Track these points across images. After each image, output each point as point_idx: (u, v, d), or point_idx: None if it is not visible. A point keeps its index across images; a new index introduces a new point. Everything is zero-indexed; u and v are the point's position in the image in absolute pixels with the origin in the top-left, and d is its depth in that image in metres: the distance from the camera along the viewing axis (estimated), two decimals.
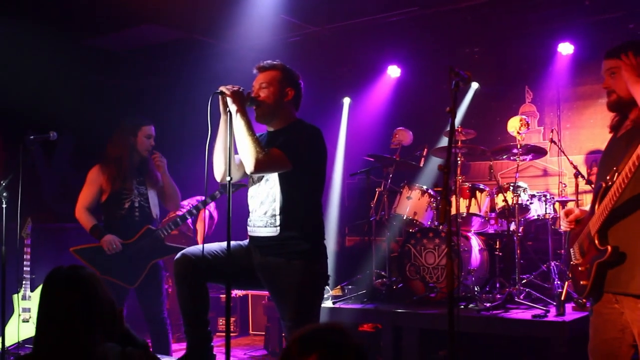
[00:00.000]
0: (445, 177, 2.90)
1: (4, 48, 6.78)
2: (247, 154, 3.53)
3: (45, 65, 7.15)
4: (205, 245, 3.78)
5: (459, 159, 6.49)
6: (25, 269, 6.12)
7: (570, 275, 3.44)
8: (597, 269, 3.12)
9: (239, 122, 3.56)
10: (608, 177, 3.07)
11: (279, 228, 3.66)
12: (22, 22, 6.75)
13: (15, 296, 6.05)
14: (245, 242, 3.85)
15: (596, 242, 3.10)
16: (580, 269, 3.27)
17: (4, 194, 5.05)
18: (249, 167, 3.55)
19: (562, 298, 5.36)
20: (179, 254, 3.77)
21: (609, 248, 3.05)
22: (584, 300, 3.31)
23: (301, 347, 1.86)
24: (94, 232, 5.18)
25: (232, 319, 7.53)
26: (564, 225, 3.44)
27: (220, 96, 3.66)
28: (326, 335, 1.90)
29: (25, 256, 6.14)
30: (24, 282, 6.12)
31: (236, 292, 7.51)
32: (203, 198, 5.33)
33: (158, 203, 5.38)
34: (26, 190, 5.04)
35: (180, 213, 5.86)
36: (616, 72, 3.19)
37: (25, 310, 6.06)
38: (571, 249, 3.37)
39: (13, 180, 5.05)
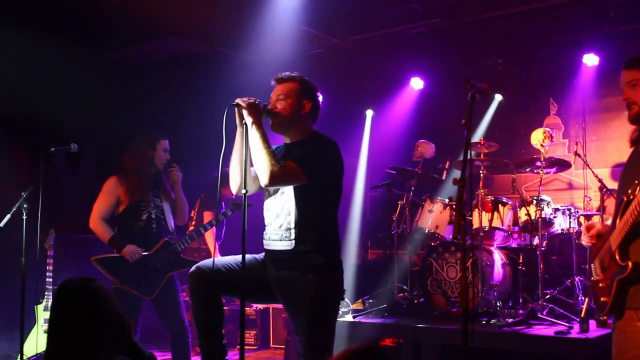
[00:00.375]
0: (460, 191, 2.85)
1: (31, 61, 6.87)
2: (262, 166, 3.51)
3: (69, 78, 7.22)
4: (220, 258, 3.75)
5: (481, 171, 6.42)
6: (47, 279, 6.16)
7: (591, 292, 3.36)
8: (618, 286, 3.04)
9: (254, 135, 3.54)
10: (630, 191, 3.00)
11: (294, 242, 3.62)
12: (48, 35, 6.82)
13: (37, 307, 6.09)
14: (261, 255, 3.82)
15: (617, 257, 3.02)
16: (601, 285, 3.19)
17: (25, 206, 5.08)
18: (264, 180, 3.52)
19: (583, 314, 5.26)
20: (193, 267, 3.75)
21: (630, 264, 2.96)
22: (605, 317, 3.22)
23: None
24: (112, 242, 5.18)
25: (253, 332, 7.51)
26: (585, 240, 3.37)
27: (236, 108, 3.64)
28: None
29: (47, 267, 6.19)
30: (46, 292, 6.17)
31: (256, 306, 7.49)
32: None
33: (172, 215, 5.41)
34: (50, 200, 5.07)
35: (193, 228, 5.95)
36: (637, 83, 3.12)
37: (47, 321, 6.10)
38: (592, 265, 3.30)
39: (34, 191, 5.07)
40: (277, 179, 3.52)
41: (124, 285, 5.06)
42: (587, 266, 6.03)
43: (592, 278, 3.29)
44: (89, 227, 5.27)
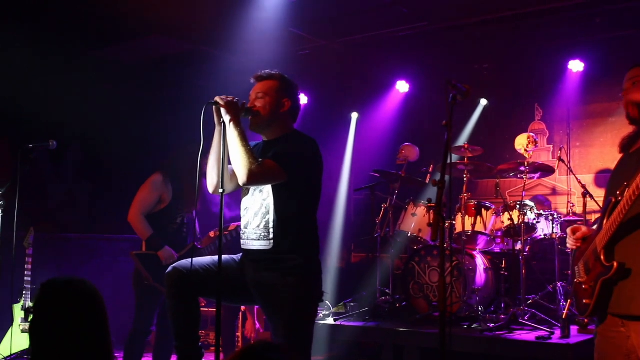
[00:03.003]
0: (439, 192, 2.82)
1: (14, 58, 6.80)
2: (240, 165, 3.46)
3: (53, 75, 7.17)
4: (197, 259, 3.70)
5: (465, 176, 6.42)
6: (26, 278, 6.09)
7: (573, 294, 3.34)
8: (601, 287, 3.01)
9: (232, 133, 3.50)
10: (618, 192, 2.98)
11: (272, 241, 3.58)
12: (31, 33, 6.77)
13: (14, 306, 6.01)
14: (239, 256, 3.78)
15: (602, 258, 3.00)
16: (584, 287, 3.16)
17: (1, 203, 5.01)
18: (242, 179, 3.48)
19: (564, 316, 5.26)
20: (170, 268, 3.69)
21: (615, 264, 2.94)
22: (586, 320, 3.20)
23: None
24: (152, 241, 5.11)
25: (237, 334, 7.46)
26: (570, 243, 3.34)
27: (214, 107, 3.60)
28: (266, 352, 1.85)
29: (26, 266, 6.11)
30: (24, 292, 6.09)
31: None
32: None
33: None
34: (31, 199, 5.00)
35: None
36: (638, 80, 3.09)
37: (24, 320, 6.02)
38: (576, 267, 3.28)
39: (11, 188, 5.01)
40: (256, 177, 3.48)
41: (155, 283, 5.01)
42: (570, 270, 6.06)
43: (576, 280, 3.27)
44: (128, 220, 5.18)
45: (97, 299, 2.56)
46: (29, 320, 2.61)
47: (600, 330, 3.15)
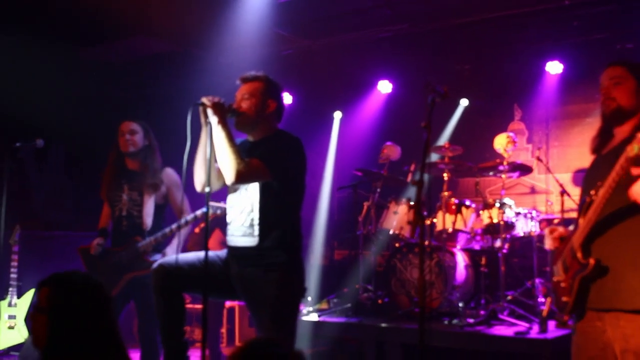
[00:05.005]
0: (418, 192, 2.92)
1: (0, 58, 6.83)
2: (227, 165, 3.55)
3: (38, 74, 7.19)
4: (182, 255, 3.79)
5: (445, 174, 6.53)
6: (12, 275, 6.13)
7: (552, 292, 3.43)
8: (579, 284, 3.07)
9: (219, 134, 3.58)
10: (592, 192, 3.04)
11: (257, 238, 3.66)
12: (17, 32, 6.79)
13: (1, 303, 6.06)
14: (223, 252, 3.86)
15: (579, 255, 3.07)
16: (562, 285, 3.22)
17: None
18: (229, 178, 3.57)
19: (545, 314, 5.36)
20: (155, 264, 3.78)
21: (592, 261, 3.00)
22: (566, 317, 3.28)
23: None
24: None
25: (221, 330, 7.53)
26: (548, 243, 3.41)
27: (201, 107, 3.67)
28: (269, 347, 1.92)
29: (12, 263, 6.16)
30: (10, 289, 6.13)
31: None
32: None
33: (153, 212, 4.96)
34: (16, 197, 5.03)
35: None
36: (621, 82, 3.15)
37: (11, 317, 6.06)
38: (555, 266, 3.33)
39: None
40: (242, 176, 3.57)
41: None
42: (549, 268, 6.17)
43: (554, 279, 3.32)
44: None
45: (109, 298, 2.69)
46: (30, 313, 2.64)
47: (578, 327, 3.20)
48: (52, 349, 2.52)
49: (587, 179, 3.28)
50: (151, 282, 3.77)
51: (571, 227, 3.32)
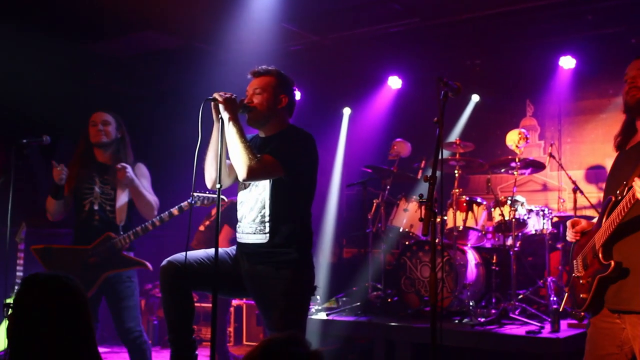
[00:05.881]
0: (431, 188, 2.86)
1: (6, 52, 6.78)
2: (240, 161, 3.49)
3: (45, 70, 7.15)
4: (192, 252, 3.72)
5: (456, 171, 6.45)
6: (18, 273, 6.08)
7: (569, 288, 3.40)
8: (598, 284, 3.08)
9: (231, 130, 3.53)
10: (618, 192, 3.02)
11: (268, 235, 3.62)
12: (24, 27, 6.75)
13: (7, 301, 6.02)
14: (233, 249, 3.81)
15: (600, 256, 3.06)
16: (581, 281, 3.22)
17: None
18: (242, 175, 3.51)
19: (560, 310, 5.29)
20: (165, 262, 3.71)
21: (613, 263, 3.00)
22: (582, 313, 3.27)
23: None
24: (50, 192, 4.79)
25: (228, 329, 7.48)
26: (569, 236, 3.40)
27: (212, 103, 3.62)
28: (288, 346, 1.85)
29: (18, 261, 6.11)
30: (16, 287, 6.09)
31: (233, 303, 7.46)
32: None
33: (128, 207, 4.80)
34: (22, 194, 4.96)
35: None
36: None
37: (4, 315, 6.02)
38: (574, 261, 3.33)
39: (5, 184, 4.98)
40: (255, 173, 3.51)
41: None
42: (561, 267, 6.08)
43: (574, 274, 3.33)
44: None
45: (81, 295, 2.53)
46: (6, 315, 2.53)
47: (594, 321, 3.20)
48: (15, 354, 2.42)
49: (612, 176, 3.26)
50: (160, 279, 3.71)
51: (594, 221, 3.27)
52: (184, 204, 4.63)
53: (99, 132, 4.81)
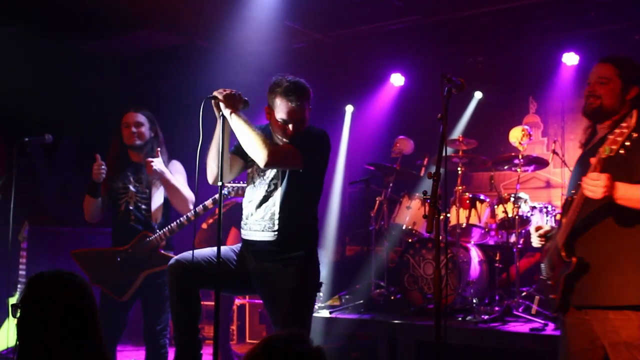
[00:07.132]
0: (435, 185, 2.86)
1: (8, 51, 6.77)
2: (257, 148, 3.48)
3: (47, 69, 7.14)
4: (198, 250, 3.72)
5: (459, 168, 6.43)
6: (21, 272, 6.08)
7: (541, 292, 3.44)
8: (564, 282, 3.11)
9: (237, 124, 3.52)
10: (573, 191, 3.10)
11: (276, 232, 3.62)
12: (25, 26, 6.74)
13: (9, 299, 6.01)
14: (238, 246, 3.81)
15: (563, 254, 3.10)
16: (549, 282, 3.26)
17: None
18: (262, 160, 3.48)
19: (533, 312, 5.33)
20: (172, 260, 3.71)
21: (574, 259, 3.05)
22: (556, 314, 3.33)
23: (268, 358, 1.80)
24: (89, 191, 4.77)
25: (231, 327, 7.48)
26: (534, 242, 3.45)
27: (213, 100, 3.61)
28: (290, 343, 1.84)
29: (21, 259, 6.10)
30: (19, 285, 6.08)
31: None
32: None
33: (164, 206, 4.77)
34: (25, 192, 4.96)
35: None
36: (607, 82, 3.20)
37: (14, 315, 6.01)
38: (542, 265, 3.37)
39: (7, 182, 4.98)
40: (275, 158, 3.50)
41: (95, 283, 4.65)
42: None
43: (542, 277, 3.37)
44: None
45: (87, 293, 2.53)
46: (16, 316, 2.52)
47: (565, 319, 3.25)
48: (24, 352, 2.41)
49: (572, 176, 3.36)
50: (167, 278, 3.70)
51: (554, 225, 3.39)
52: (208, 201, 4.54)
53: (132, 135, 4.77)
